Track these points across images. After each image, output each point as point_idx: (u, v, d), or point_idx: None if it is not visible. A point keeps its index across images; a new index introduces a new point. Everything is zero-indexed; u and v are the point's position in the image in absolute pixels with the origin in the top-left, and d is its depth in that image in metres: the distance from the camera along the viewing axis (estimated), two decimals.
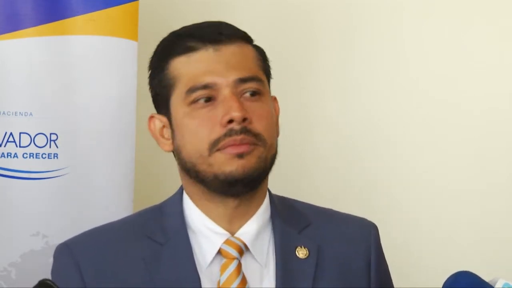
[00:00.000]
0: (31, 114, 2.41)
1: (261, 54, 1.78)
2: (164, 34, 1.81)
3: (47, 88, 2.42)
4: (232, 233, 1.73)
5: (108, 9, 2.46)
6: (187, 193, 1.77)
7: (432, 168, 3.06)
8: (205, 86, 1.68)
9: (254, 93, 1.70)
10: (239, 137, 1.66)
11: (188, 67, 1.70)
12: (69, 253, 1.73)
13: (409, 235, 3.06)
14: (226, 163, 1.67)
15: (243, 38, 1.76)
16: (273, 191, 1.85)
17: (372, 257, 1.81)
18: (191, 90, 1.69)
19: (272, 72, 1.82)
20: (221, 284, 1.69)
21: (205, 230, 1.73)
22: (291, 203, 1.84)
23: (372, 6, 3.08)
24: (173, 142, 1.74)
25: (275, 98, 1.81)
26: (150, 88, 1.80)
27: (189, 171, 1.71)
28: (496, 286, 1.60)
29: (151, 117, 1.78)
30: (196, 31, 1.73)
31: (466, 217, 3.05)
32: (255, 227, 1.74)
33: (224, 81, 1.68)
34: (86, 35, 2.45)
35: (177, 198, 1.78)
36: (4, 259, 2.39)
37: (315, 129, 3.10)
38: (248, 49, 1.75)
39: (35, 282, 1.44)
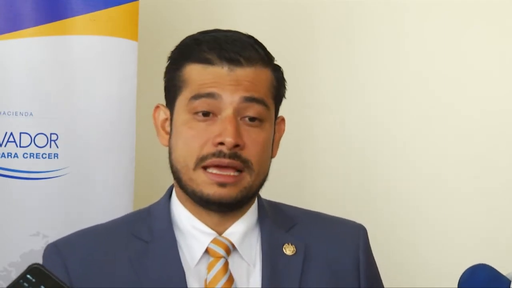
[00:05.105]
0: (31, 114, 2.41)
1: (277, 78, 1.77)
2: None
3: (47, 88, 2.42)
4: (220, 234, 1.74)
5: (108, 9, 2.46)
6: (177, 193, 1.78)
7: (435, 169, 3.06)
8: (208, 94, 1.68)
9: (254, 119, 1.70)
10: (226, 160, 1.66)
11: (199, 76, 1.70)
12: (58, 253, 1.74)
13: (412, 236, 3.06)
14: (206, 185, 1.68)
15: (263, 61, 1.74)
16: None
17: (361, 258, 1.80)
18: (195, 97, 1.69)
19: None
20: (208, 282, 1.70)
21: (193, 230, 1.74)
22: (278, 205, 1.85)
23: (372, 6, 3.08)
24: (169, 140, 1.76)
25: (282, 119, 1.81)
26: (164, 77, 1.80)
27: (173, 173, 1.73)
28: None
29: (157, 106, 1.79)
30: (218, 44, 1.71)
31: (470, 216, 3.05)
32: (243, 227, 1.75)
33: (229, 97, 1.68)
34: (86, 35, 2.45)
35: (165, 199, 1.80)
36: (4, 259, 2.39)
37: (315, 129, 3.10)
38: (264, 73, 1.73)
39: None
